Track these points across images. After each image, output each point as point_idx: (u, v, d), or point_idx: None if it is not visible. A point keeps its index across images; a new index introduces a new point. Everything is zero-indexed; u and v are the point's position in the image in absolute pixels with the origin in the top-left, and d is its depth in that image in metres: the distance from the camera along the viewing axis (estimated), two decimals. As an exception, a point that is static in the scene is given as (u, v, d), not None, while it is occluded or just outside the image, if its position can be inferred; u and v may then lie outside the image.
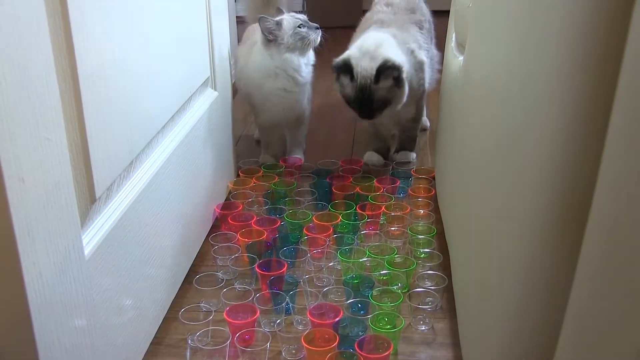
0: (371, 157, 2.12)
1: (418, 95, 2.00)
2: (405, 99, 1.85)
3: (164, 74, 1.34)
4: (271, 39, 1.89)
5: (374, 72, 1.78)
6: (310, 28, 1.90)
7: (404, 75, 1.81)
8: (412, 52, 1.92)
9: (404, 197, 1.85)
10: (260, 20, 1.86)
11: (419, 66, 1.94)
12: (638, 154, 0.55)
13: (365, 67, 1.79)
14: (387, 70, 1.78)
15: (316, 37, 1.91)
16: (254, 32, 2.03)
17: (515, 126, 0.89)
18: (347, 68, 1.81)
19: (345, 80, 1.84)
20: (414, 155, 2.16)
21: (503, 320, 0.90)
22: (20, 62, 0.77)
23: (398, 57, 1.83)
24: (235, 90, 2.05)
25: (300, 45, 1.90)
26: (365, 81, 1.80)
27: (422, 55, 1.96)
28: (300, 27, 1.88)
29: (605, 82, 0.64)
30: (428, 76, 2.03)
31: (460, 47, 1.55)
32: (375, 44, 1.84)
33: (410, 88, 1.89)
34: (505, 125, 0.95)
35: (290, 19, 1.90)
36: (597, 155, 0.64)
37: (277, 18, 1.91)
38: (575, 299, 0.68)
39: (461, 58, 1.49)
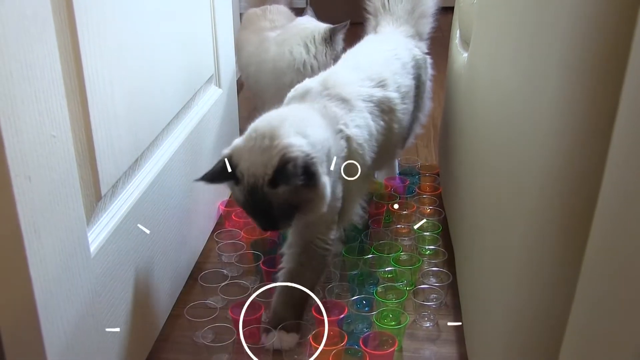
0: (281, 339, 1.27)
1: (336, 200, 1.34)
2: (327, 199, 1.21)
3: (169, 72, 1.34)
4: (328, 41, 1.97)
5: (268, 173, 1.15)
6: None
7: (320, 169, 1.19)
8: (349, 139, 1.32)
9: (413, 196, 1.85)
10: (336, 27, 1.98)
11: (352, 155, 1.33)
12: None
13: (253, 164, 1.17)
14: (289, 169, 1.13)
15: None
16: (259, 17, 2.03)
17: (520, 123, 0.89)
18: (225, 169, 1.19)
19: (231, 184, 1.23)
20: (296, 337, 1.28)
21: (507, 317, 0.90)
22: (26, 60, 0.78)
23: (315, 136, 1.22)
24: (240, 86, 2.05)
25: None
26: (255, 185, 1.17)
27: (365, 150, 1.36)
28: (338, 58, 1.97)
29: (612, 79, 0.64)
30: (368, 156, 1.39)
31: (465, 43, 1.55)
32: (274, 125, 1.20)
33: (337, 183, 1.30)
34: (509, 122, 0.95)
35: (341, 46, 2.02)
36: (603, 153, 0.64)
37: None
38: (581, 297, 0.68)
39: (465, 54, 1.48)
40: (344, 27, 1.99)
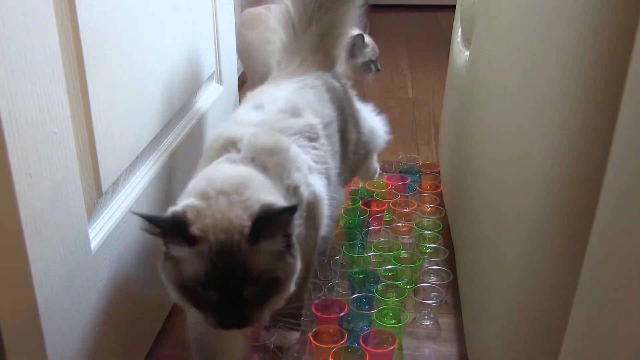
0: None
1: (309, 248, 1.19)
2: (296, 274, 0.99)
3: (170, 69, 1.34)
4: (351, 51, 2.05)
5: (246, 225, 0.91)
6: (375, 69, 2.10)
7: (294, 234, 1.00)
8: (296, 189, 1.11)
9: (414, 194, 1.85)
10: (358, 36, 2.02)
11: (309, 206, 1.16)
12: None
13: (221, 220, 0.92)
14: (276, 219, 0.93)
15: (370, 78, 2.09)
16: (267, 17, 2.05)
17: (521, 122, 0.89)
18: (180, 228, 0.91)
19: (180, 250, 0.91)
20: (296, 335, 1.28)
21: (507, 315, 0.91)
22: (27, 57, 0.78)
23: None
24: (241, 83, 2.05)
25: (357, 72, 2.10)
26: (227, 244, 0.90)
27: (315, 186, 1.18)
28: (372, 62, 2.06)
29: (613, 79, 0.64)
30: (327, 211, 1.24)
31: (466, 42, 1.54)
32: (237, 183, 0.98)
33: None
34: (510, 121, 0.95)
35: (372, 51, 2.07)
36: (604, 151, 0.64)
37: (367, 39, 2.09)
38: (581, 296, 0.68)
39: (467, 53, 1.48)
40: (360, 37, 2.06)
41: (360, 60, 2.08)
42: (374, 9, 3.57)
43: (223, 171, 1.04)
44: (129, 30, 1.10)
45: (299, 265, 0.98)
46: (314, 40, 1.42)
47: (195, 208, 0.93)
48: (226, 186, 0.96)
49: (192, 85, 1.51)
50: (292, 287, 0.98)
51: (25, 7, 0.77)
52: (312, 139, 1.20)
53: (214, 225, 0.90)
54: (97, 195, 1.02)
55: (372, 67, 2.10)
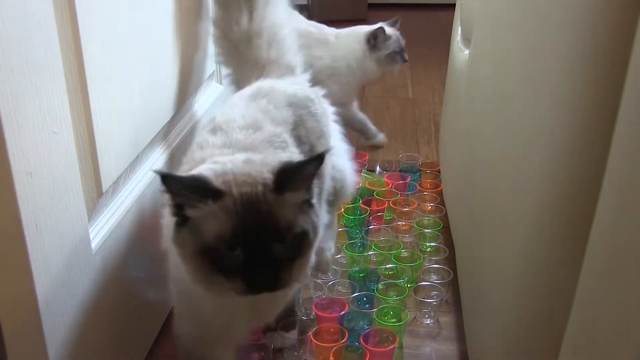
0: None
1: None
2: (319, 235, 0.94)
3: (170, 68, 1.34)
4: (373, 44, 2.07)
5: (267, 177, 0.87)
6: (401, 60, 2.10)
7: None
8: None
9: (414, 193, 1.85)
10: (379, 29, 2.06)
11: None
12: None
13: (242, 175, 0.88)
14: (298, 170, 0.88)
15: (397, 69, 2.09)
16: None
17: (521, 120, 0.89)
18: (202, 183, 0.86)
19: (202, 208, 0.85)
20: (295, 334, 1.27)
21: (508, 314, 0.91)
22: (27, 56, 0.78)
23: None
24: None
25: (383, 64, 2.10)
26: (252, 195, 0.86)
27: None
28: (396, 53, 2.07)
29: (613, 77, 0.64)
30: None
31: (466, 41, 1.54)
32: (245, 157, 0.94)
33: None
34: (510, 120, 0.95)
35: (396, 42, 2.08)
36: (604, 150, 0.64)
37: (389, 32, 2.10)
38: (582, 294, 0.68)
39: (467, 52, 1.48)
40: (381, 30, 2.07)
41: (383, 52, 2.09)
42: (373, 7, 3.57)
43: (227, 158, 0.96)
44: (129, 30, 1.10)
45: (321, 227, 0.93)
46: (258, 51, 1.35)
47: (211, 169, 0.88)
48: (239, 159, 0.92)
49: (192, 85, 1.51)
50: (314, 252, 0.93)
51: (25, 7, 0.77)
52: (283, 148, 1.08)
53: (235, 179, 0.86)
54: (97, 194, 1.02)
55: (398, 58, 2.11)
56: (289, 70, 1.36)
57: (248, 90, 1.21)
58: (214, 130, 1.07)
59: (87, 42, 0.93)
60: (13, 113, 0.75)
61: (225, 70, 1.52)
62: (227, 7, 1.38)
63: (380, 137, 2.24)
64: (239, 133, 1.05)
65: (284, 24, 1.39)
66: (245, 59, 1.37)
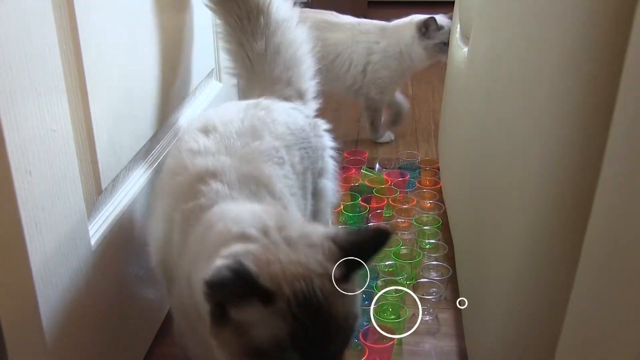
0: None
1: None
2: None
3: (169, 66, 1.34)
4: (423, 32, 2.15)
5: (327, 266, 0.74)
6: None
7: None
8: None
9: (413, 190, 1.85)
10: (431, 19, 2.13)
11: None
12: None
13: (298, 262, 0.74)
14: (363, 257, 0.76)
15: (445, 60, 2.12)
16: (326, 14, 2.22)
17: (519, 117, 0.89)
18: (248, 283, 0.71)
19: (250, 311, 0.72)
20: None
21: (506, 310, 0.91)
22: (26, 54, 0.78)
23: None
24: None
25: (430, 53, 2.17)
26: (310, 289, 0.72)
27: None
28: (445, 44, 2.12)
29: (611, 74, 0.64)
30: None
31: (465, 38, 1.55)
32: (273, 218, 0.81)
33: None
34: (509, 117, 0.95)
35: (446, 35, 2.13)
36: (601, 147, 0.65)
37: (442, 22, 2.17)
38: (578, 291, 0.68)
39: (465, 49, 1.48)
40: (432, 20, 2.14)
41: (431, 41, 2.15)
42: (373, 5, 3.57)
43: (237, 209, 0.85)
44: (127, 28, 1.10)
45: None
46: (272, 68, 1.27)
47: (250, 254, 0.73)
48: (264, 223, 0.78)
49: (192, 83, 1.52)
50: None
51: (24, 6, 0.77)
52: (280, 164, 1.01)
53: (284, 272, 0.71)
54: (96, 192, 1.02)
55: (446, 49, 2.15)
56: (299, 95, 1.28)
57: (246, 101, 1.16)
58: (207, 130, 1.00)
59: (86, 40, 0.93)
60: (12, 111, 0.75)
61: (233, 80, 1.47)
62: (242, 23, 1.28)
63: (387, 135, 2.31)
64: (236, 139, 0.98)
65: (302, 43, 1.31)
66: (258, 74, 1.29)
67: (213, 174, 0.92)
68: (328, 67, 2.17)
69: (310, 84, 1.32)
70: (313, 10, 2.27)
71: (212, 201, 0.88)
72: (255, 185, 0.93)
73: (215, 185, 0.90)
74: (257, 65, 1.28)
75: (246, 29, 1.27)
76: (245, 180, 0.92)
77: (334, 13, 2.26)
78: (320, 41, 2.14)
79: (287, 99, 1.24)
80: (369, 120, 2.27)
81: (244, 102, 1.14)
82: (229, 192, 0.90)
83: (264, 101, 1.15)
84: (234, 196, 0.89)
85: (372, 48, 2.19)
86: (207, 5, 1.31)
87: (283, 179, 1.01)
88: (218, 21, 1.33)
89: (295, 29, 1.30)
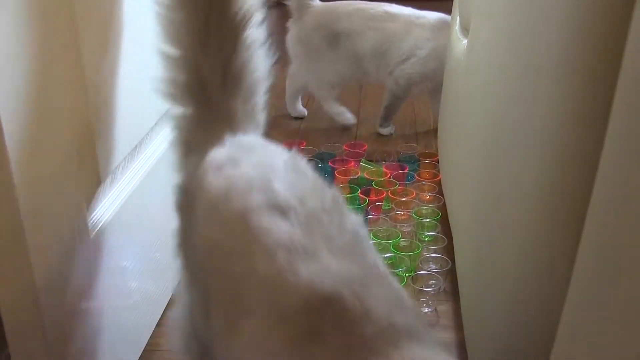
0: None
1: None
2: None
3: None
4: None
5: None
6: None
7: None
8: None
9: (412, 182, 1.85)
10: None
11: None
12: (637, 147, 0.56)
13: None
14: None
15: None
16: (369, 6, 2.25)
17: (518, 110, 0.89)
18: None
19: None
20: None
21: (505, 303, 0.91)
22: (25, 43, 0.78)
23: None
24: None
25: None
26: None
27: None
28: None
29: (611, 67, 0.64)
30: None
31: (464, 30, 1.54)
32: None
33: None
34: (508, 110, 0.95)
35: None
36: (601, 141, 0.65)
37: None
38: (575, 286, 0.69)
39: (465, 41, 1.48)
40: None
41: None
42: None
43: None
44: (127, 17, 1.10)
45: None
46: (235, 99, 0.97)
47: None
48: None
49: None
50: None
51: (23, -4, 0.77)
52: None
53: None
54: (96, 183, 1.02)
55: None
56: (257, 126, 1.01)
57: (276, 152, 0.89)
58: (280, 209, 0.73)
59: (85, 29, 0.93)
60: (10, 102, 0.75)
61: (173, 109, 1.02)
62: (203, 35, 0.93)
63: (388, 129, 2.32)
64: (326, 222, 0.73)
65: (262, 69, 1.01)
66: (213, 104, 0.96)
67: (338, 299, 0.63)
68: (382, 58, 2.21)
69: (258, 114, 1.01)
70: (366, 2, 2.31)
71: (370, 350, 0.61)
72: (398, 307, 0.67)
73: (353, 319, 0.62)
74: (215, 95, 0.95)
75: (208, 33, 0.93)
76: (384, 299, 0.66)
77: (394, 5, 2.28)
78: (377, 31, 2.20)
79: (250, 132, 0.97)
80: (385, 104, 2.27)
81: (284, 158, 0.86)
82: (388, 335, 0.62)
83: (297, 161, 0.85)
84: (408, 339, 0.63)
85: (421, 43, 2.20)
86: None
87: None
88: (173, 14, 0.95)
89: (257, 51, 0.99)
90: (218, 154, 0.88)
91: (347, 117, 2.35)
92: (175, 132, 1.01)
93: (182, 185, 0.97)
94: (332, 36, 2.24)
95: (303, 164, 0.85)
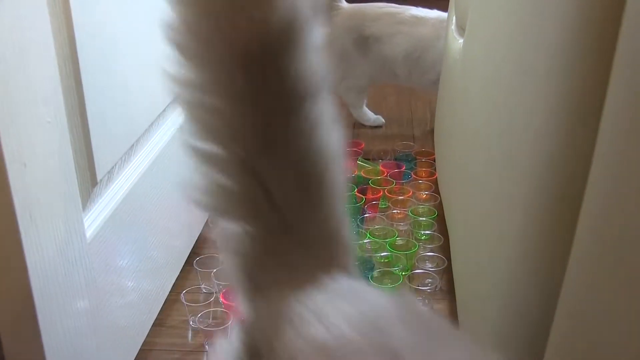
0: None
1: None
2: None
3: (166, 56, 1.34)
4: None
5: None
6: None
7: None
8: None
9: (409, 181, 1.86)
10: None
11: None
12: (630, 144, 0.56)
13: None
14: None
15: None
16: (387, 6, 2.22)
17: (515, 109, 0.89)
18: None
19: None
20: None
21: (500, 302, 0.91)
22: (21, 44, 0.78)
23: None
24: None
25: None
26: None
27: None
28: None
29: (606, 63, 0.65)
30: None
31: (461, 29, 1.54)
32: None
33: None
34: (504, 109, 0.95)
35: None
36: (593, 137, 0.65)
37: None
38: (569, 284, 0.69)
39: (461, 41, 1.48)
40: None
41: None
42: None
43: None
44: (123, 18, 1.10)
45: None
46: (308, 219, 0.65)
47: None
48: None
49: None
50: None
51: (17, -3, 0.77)
52: None
53: None
54: (92, 184, 1.02)
55: None
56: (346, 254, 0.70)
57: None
58: None
59: (81, 30, 0.93)
60: (6, 103, 0.75)
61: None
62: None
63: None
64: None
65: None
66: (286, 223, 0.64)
67: None
68: (414, 63, 2.18)
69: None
70: (394, 5, 2.28)
71: None
72: None
73: None
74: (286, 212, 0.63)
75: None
76: None
77: (419, 7, 2.25)
78: (408, 36, 2.18)
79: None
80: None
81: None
82: None
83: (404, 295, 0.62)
84: None
85: (433, 44, 2.16)
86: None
87: None
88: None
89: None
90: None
91: (380, 121, 2.36)
92: (234, 257, 0.66)
93: (246, 340, 0.62)
94: (362, 39, 2.21)
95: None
